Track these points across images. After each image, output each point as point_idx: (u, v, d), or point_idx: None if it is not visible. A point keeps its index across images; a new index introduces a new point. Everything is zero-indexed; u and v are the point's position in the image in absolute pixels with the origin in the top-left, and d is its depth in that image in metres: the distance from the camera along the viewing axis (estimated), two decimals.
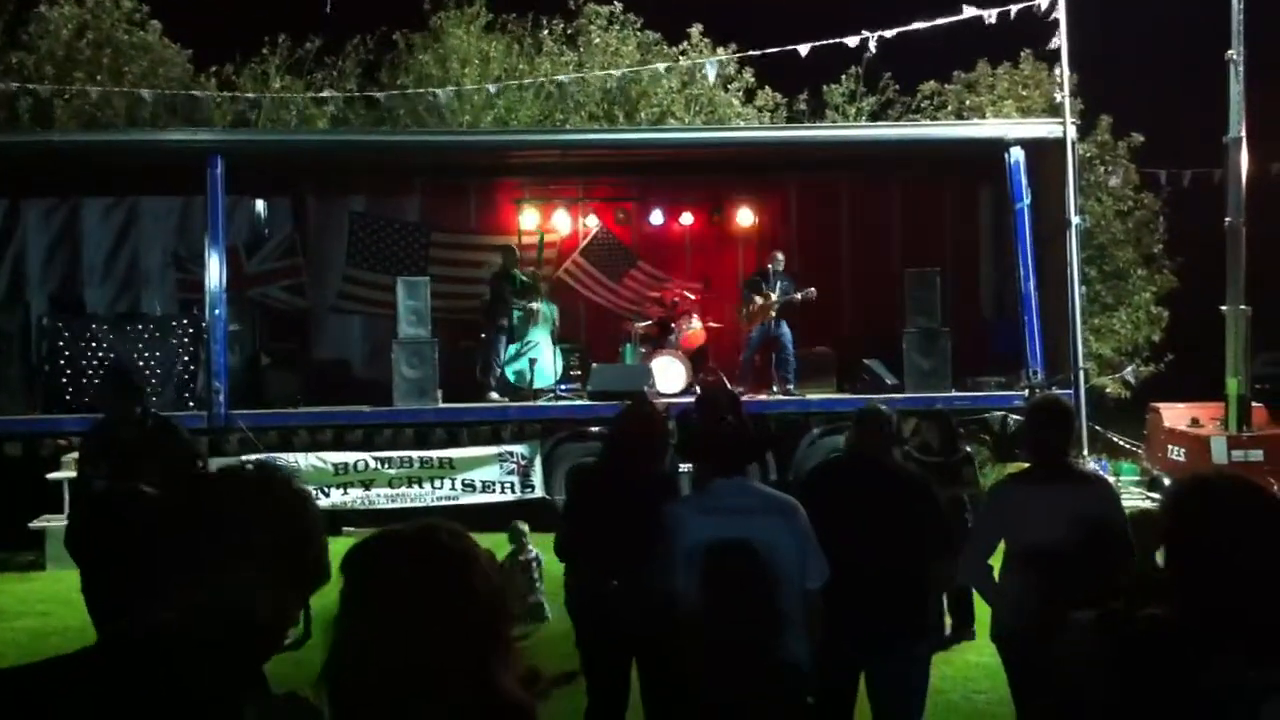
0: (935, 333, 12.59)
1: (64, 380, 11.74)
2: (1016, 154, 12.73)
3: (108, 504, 5.39)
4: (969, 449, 8.63)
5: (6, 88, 17.13)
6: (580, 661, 5.04)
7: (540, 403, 12.64)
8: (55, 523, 10.47)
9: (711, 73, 17.65)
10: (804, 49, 13.57)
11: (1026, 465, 4.98)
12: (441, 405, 12.30)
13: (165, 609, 1.78)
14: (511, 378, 13.02)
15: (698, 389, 12.35)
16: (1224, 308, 12.57)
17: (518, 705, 1.93)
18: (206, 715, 1.69)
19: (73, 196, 14.55)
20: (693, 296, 14.43)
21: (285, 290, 14.53)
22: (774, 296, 13.01)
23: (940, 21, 12.96)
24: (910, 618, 4.65)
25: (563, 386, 13.31)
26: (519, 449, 11.92)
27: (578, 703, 4.98)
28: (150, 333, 12.09)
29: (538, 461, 11.90)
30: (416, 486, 11.67)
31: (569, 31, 20.51)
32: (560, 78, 18.35)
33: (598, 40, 20.12)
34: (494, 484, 11.80)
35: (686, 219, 15.19)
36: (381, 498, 11.53)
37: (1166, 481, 12.26)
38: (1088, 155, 18.42)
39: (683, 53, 20.00)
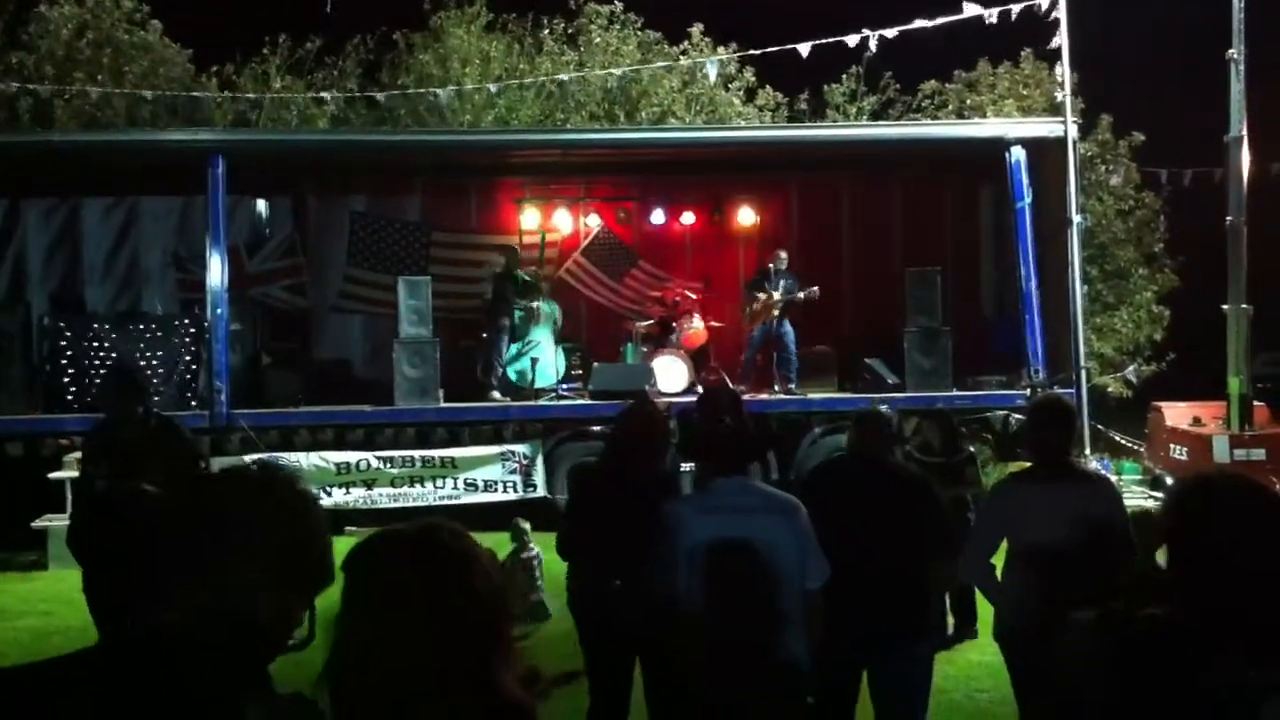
0: (936, 332, 12.59)
1: (65, 380, 11.75)
2: (1017, 153, 12.73)
3: (109, 503, 5.39)
4: (971, 448, 8.63)
5: (7, 88, 17.12)
6: (583, 661, 5.05)
7: (542, 402, 12.64)
8: (57, 522, 10.48)
9: (712, 72, 17.64)
10: (805, 48, 13.55)
11: (1028, 464, 4.98)
12: (443, 405, 12.30)
13: (167, 609, 1.78)
14: (513, 377, 13.03)
15: (699, 388, 12.36)
16: (1225, 307, 12.56)
17: (518, 705, 1.93)
18: (208, 716, 1.69)
19: (73, 196, 14.56)
20: (694, 296, 14.44)
21: (286, 290, 14.55)
22: (777, 295, 13.01)
23: (941, 21, 12.95)
24: (911, 618, 4.65)
25: (564, 386, 13.31)
26: (521, 448, 11.92)
27: (579, 702, 4.98)
28: (151, 332, 12.10)
29: (539, 461, 11.91)
30: (418, 486, 11.68)
31: (569, 31, 20.51)
32: (561, 76, 18.34)
33: (598, 40, 20.11)
34: (496, 483, 11.80)
35: (687, 218, 15.19)
36: (383, 497, 11.53)
37: (1168, 480, 12.26)
38: (1089, 154, 18.41)
39: (683, 52, 20.00)
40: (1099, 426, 13.63)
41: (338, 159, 14.53)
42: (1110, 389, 18.21)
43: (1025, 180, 12.68)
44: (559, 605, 6.34)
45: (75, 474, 9.05)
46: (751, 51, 14.41)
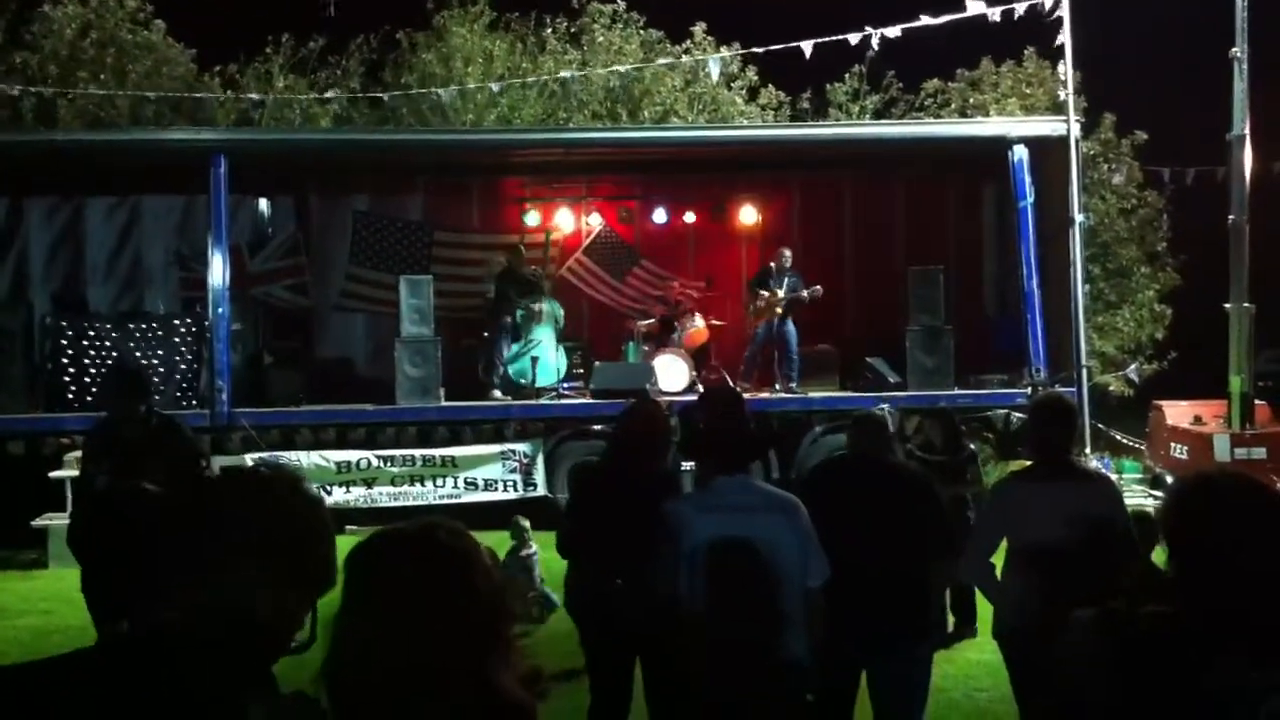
0: (938, 330, 12.58)
1: (67, 379, 11.77)
2: (1020, 152, 12.72)
3: (109, 502, 5.41)
4: (972, 447, 8.62)
5: (10, 88, 17.14)
6: (584, 660, 5.05)
7: (543, 401, 12.64)
8: (58, 521, 10.48)
9: (715, 71, 17.63)
10: (807, 47, 13.54)
11: (1029, 463, 4.97)
12: (444, 404, 12.30)
13: (167, 608, 1.78)
14: (514, 376, 13.03)
15: (700, 387, 12.37)
16: (1227, 305, 12.55)
17: (518, 704, 1.93)
18: (209, 715, 1.69)
19: (76, 196, 14.58)
20: (695, 295, 14.44)
21: (288, 289, 14.56)
22: (780, 293, 13.01)
23: (944, 19, 12.94)
24: (912, 618, 4.64)
25: (565, 385, 13.31)
26: (521, 447, 11.93)
27: (580, 701, 4.98)
28: (153, 332, 12.12)
29: (540, 460, 11.91)
30: (419, 485, 11.69)
31: (572, 30, 20.53)
32: (563, 74, 18.33)
33: (601, 39, 20.13)
34: (496, 482, 11.81)
35: (689, 217, 15.19)
36: (384, 496, 11.55)
37: (1169, 479, 12.24)
38: (1091, 153, 18.40)
39: (686, 51, 19.99)
40: (1100, 425, 13.63)
41: (340, 158, 14.53)
42: (1111, 388, 18.20)
43: (1028, 179, 12.67)
44: (560, 601, 6.34)
45: (76, 473, 9.05)
46: (754, 50, 14.41)
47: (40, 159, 13.56)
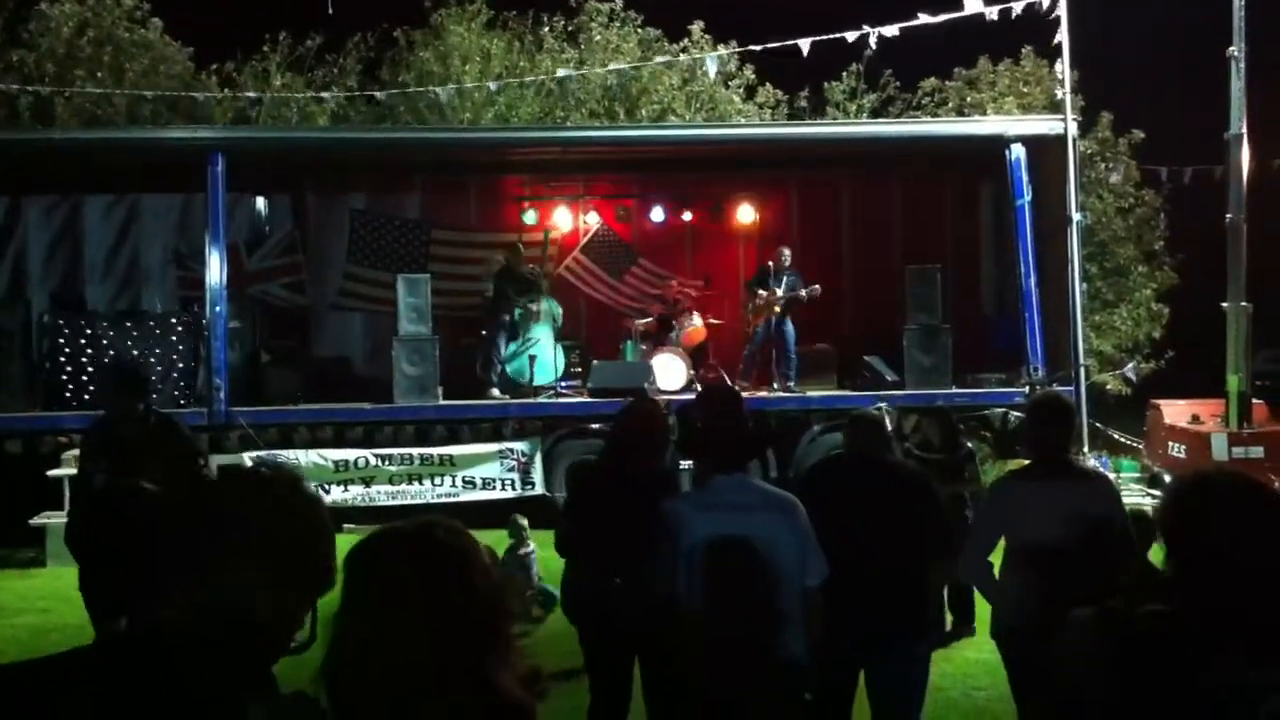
0: (936, 329, 12.59)
1: (64, 377, 11.76)
2: (1017, 150, 12.73)
3: (107, 500, 5.40)
4: (970, 446, 8.62)
5: (7, 87, 17.12)
6: (584, 659, 5.05)
7: (541, 400, 12.65)
8: (56, 519, 10.48)
9: (712, 69, 17.64)
10: (805, 46, 13.54)
11: (1027, 462, 4.98)
12: (442, 402, 12.30)
13: (166, 607, 1.78)
14: (512, 375, 13.03)
15: (698, 386, 12.37)
16: (1225, 304, 12.56)
17: (517, 704, 1.93)
18: (208, 714, 1.69)
19: (74, 194, 14.59)
20: (693, 294, 14.45)
21: (286, 287, 14.56)
22: (779, 292, 13.01)
23: (941, 18, 12.94)
24: (910, 617, 4.64)
25: (563, 384, 13.32)
26: (519, 446, 11.92)
27: (579, 700, 4.98)
28: (151, 330, 12.12)
29: (538, 459, 11.91)
30: (417, 483, 11.69)
31: (570, 28, 20.53)
32: (561, 72, 18.32)
33: (598, 37, 20.13)
34: (494, 481, 11.81)
35: (687, 216, 15.19)
36: (382, 495, 11.55)
37: (1167, 478, 12.25)
38: (1088, 152, 18.42)
39: (683, 50, 19.99)
40: (1098, 424, 13.64)
41: (337, 157, 14.52)
42: (1109, 386, 18.22)
43: (1025, 178, 12.67)
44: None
45: (74, 471, 9.04)
46: (751, 49, 14.39)
47: (38, 157, 13.54)
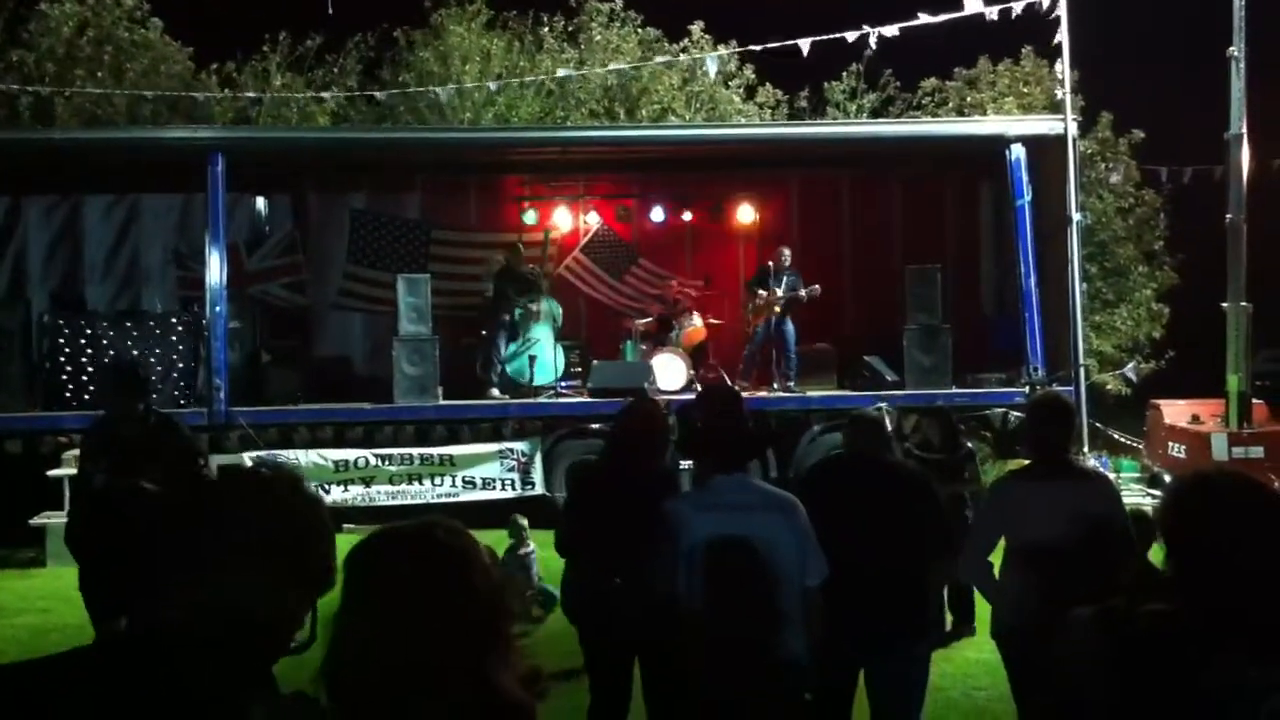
0: (936, 329, 12.58)
1: (64, 377, 11.76)
2: (1017, 150, 12.72)
3: (107, 500, 5.40)
4: (970, 445, 8.62)
5: (7, 87, 17.12)
6: (584, 659, 5.04)
7: (541, 400, 12.64)
8: (56, 519, 10.47)
9: (712, 69, 17.64)
10: (805, 46, 13.54)
11: (1027, 462, 4.97)
12: (442, 402, 12.29)
13: (166, 607, 1.78)
14: (512, 375, 13.02)
15: (698, 386, 12.37)
16: (1225, 304, 12.56)
17: (517, 703, 1.93)
18: (208, 714, 1.69)
19: (74, 194, 14.58)
20: (693, 294, 14.45)
21: (286, 287, 14.56)
22: (779, 292, 13.01)
23: (941, 18, 12.94)
24: (910, 618, 4.64)
25: (563, 383, 13.32)
26: (519, 446, 11.92)
27: (580, 701, 4.98)
28: (151, 330, 12.11)
29: (538, 459, 11.91)
30: (417, 483, 11.68)
31: (570, 29, 20.53)
32: (561, 71, 18.33)
33: (598, 37, 20.14)
34: (494, 481, 11.81)
35: (687, 216, 15.19)
36: (382, 495, 11.54)
37: (1167, 478, 12.25)
38: (1089, 152, 18.43)
39: (683, 50, 20.00)
40: (1098, 424, 13.64)
41: (338, 156, 14.52)
42: (1109, 386, 18.23)
43: (1025, 178, 12.67)
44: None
45: (74, 471, 9.04)
46: (751, 48, 14.40)
47: (38, 157, 13.54)
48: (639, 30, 20.54)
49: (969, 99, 20.26)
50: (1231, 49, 12.42)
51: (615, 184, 15.68)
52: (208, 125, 17.48)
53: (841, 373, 13.35)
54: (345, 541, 1.88)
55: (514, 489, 11.77)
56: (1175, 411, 13.29)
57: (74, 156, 13.50)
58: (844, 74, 20.20)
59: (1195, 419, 12.93)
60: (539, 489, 11.80)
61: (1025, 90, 19.76)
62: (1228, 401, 12.43)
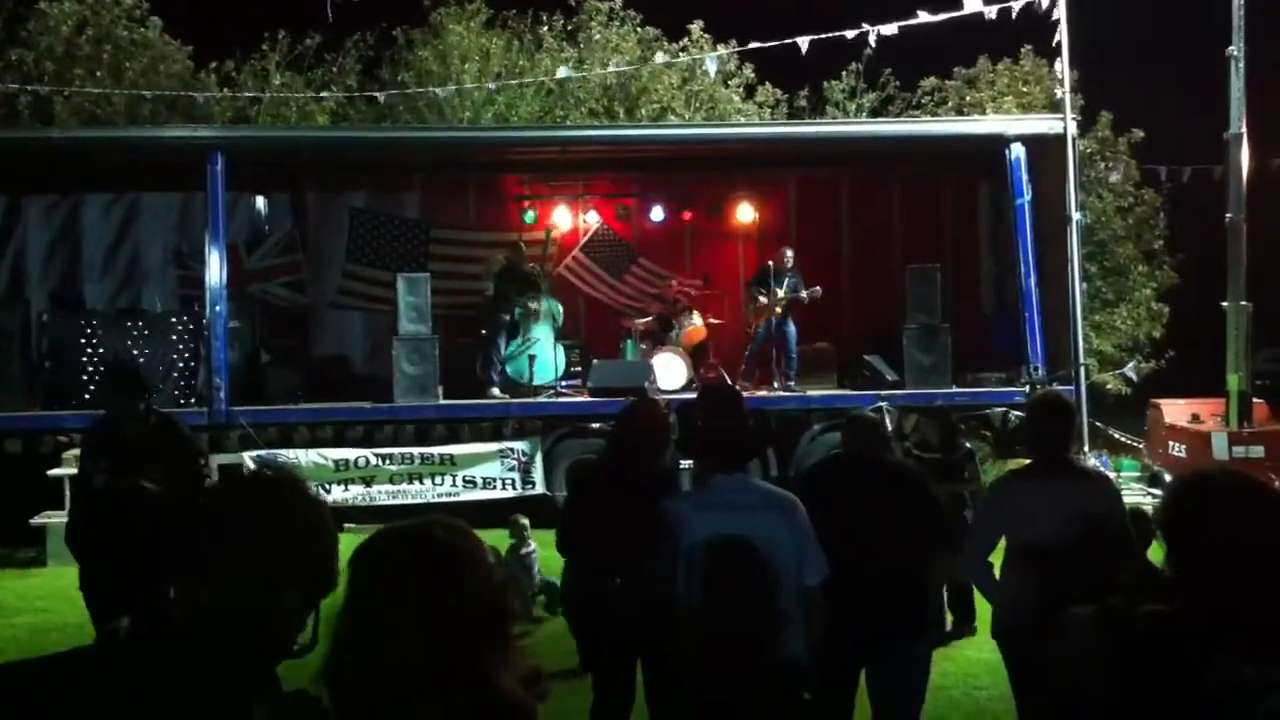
0: (936, 329, 12.58)
1: (65, 377, 11.75)
2: (1017, 150, 12.72)
3: (108, 500, 5.40)
4: (969, 445, 8.63)
5: (6, 86, 17.12)
6: (584, 659, 5.05)
7: (541, 399, 12.64)
8: (56, 519, 10.47)
9: (712, 69, 17.63)
10: (804, 45, 13.54)
11: (1027, 461, 4.98)
12: (442, 402, 12.29)
13: (167, 607, 1.78)
14: (512, 374, 13.02)
15: (698, 385, 12.37)
16: (1225, 304, 12.56)
17: (518, 704, 1.93)
18: (208, 714, 1.69)
19: (73, 193, 14.57)
20: (693, 293, 14.45)
21: (285, 286, 14.55)
22: (780, 293, 13.00)
23: (941, 17, 12.93)
24: (910, 617, 4.64)
25: (563, 383, 13.32)
26: (520, 445, 11.92)
27: (583, 702, 4.98)
28: (150, 329, 12.10)
29: (538, 458, 11.90)
30: (417, 483, 11.68)
31: (569, 28, 20.53)
32: (561, 70, 18.31)
33: (598, 36, 20.13)
34: (495, 480, 11.81)
35: (687, 215, 15.19)
36: (382, 494, 11.54)
37: (1167, 478, 12.26)
38: (1088, 151, 18.42)
39: (683, 49, 20.00)
40: (1098, 424, 13.63)
41: (337, 155, 14.51)
42: (1109, 386, 18.22)
43: (1025, 177, 12.67)
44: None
45: (74, 471, 9.04)
46: (752, 46, 14.38)
47: (37, 156, 13.53)
48: (638, 29, 20.53)
49: (968, 98, 20.25)
50: (1231, 48, 12.41)
51: (615, 183, 15.67)
52: (207, 124, 17.47)
53: (842, 372, 13.35)
54: (346, 541, 1.89)
55: (514, 488, 11.76)
56: (1175, 411, 13.30)
57: (73, 155, 13.49)
58: (843, 73, 20.19)
59: (1195, 418, 12.94)
60: (539, 488, 11.80)
61: (1025, 89, 19.75)
62: (1228, 401, 12.43)
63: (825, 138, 14.81)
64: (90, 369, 11.70)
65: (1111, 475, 9.63)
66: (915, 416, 10.40)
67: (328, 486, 11.23)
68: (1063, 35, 12.66)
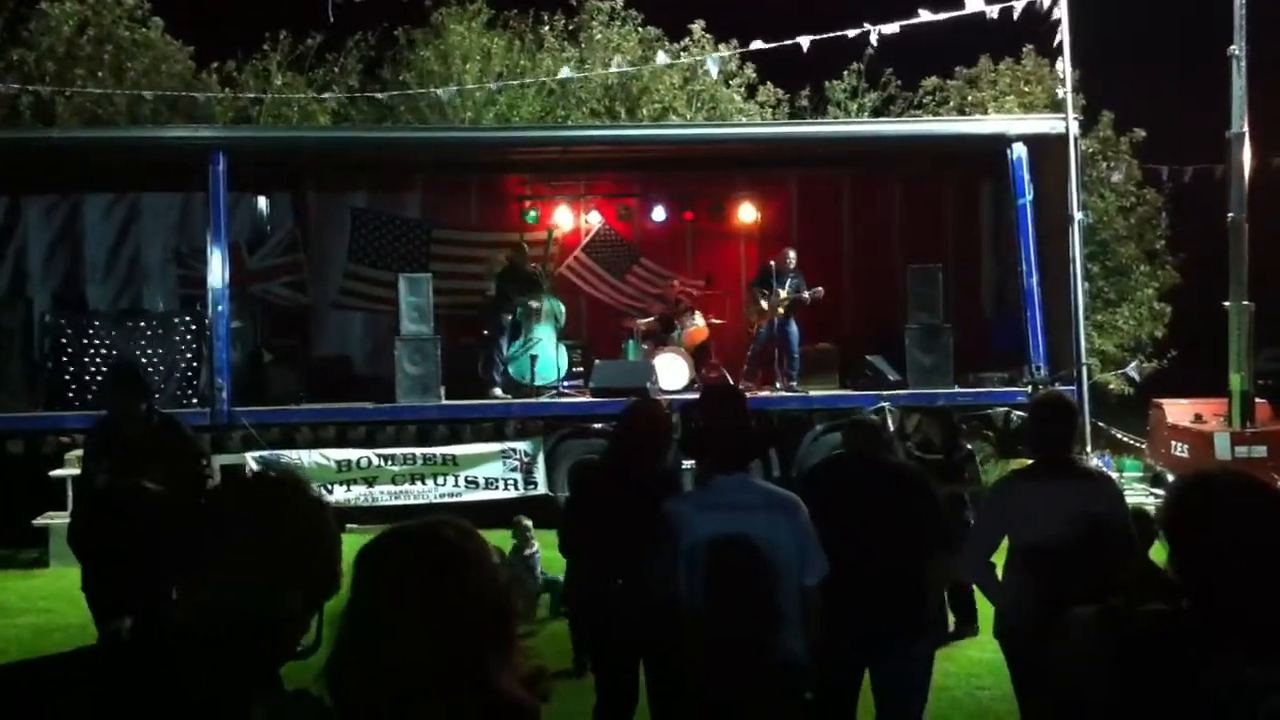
0: (937, 329, 12.58)
1: (66, 377, 11.76)
2: (1019, 149, 12.72)
3: (109, 501, 5.40)
4: (969, 446, 8.63)
5: (7, 86, 17.13)
6: (590, 660, 5.05)
7: (543, 399, 12.64)
8: (58, 520, 10.48)
9: (713, 69, 17.62)
10: (806, 44, 13.53)
11: (1029, 461, 4.97)
12: (444, 402, 12.29)
13: (169, 607, 1.78)
14: (514, 374, 13.02)
15: (700, 385, 12.37)
16: (1227, 303, 12.55)
17: (520, 704, 1.93)
18: (210, 714, 1.69)
19: (74, 193, 14.58)
20: (695, 293, 14.45)
21: (287, 286, 14.55)
22: (783, 294, 12.99)
23: (942, 16, 12.91)
24: (909, 617, 4.64)
25: (565, 383, 13.31)
26: (522, 446, 11.92)
27: (586, 703, 4.98)
28: (152, 329, 12.11)
29: (540, 458, 11.90)
30: (419, 483, 11.68)
31: (570, 28, 20.53)
32: (563, 70, 18.31)
33: (599, 36, 20.13)
34: (497, 481, 11.81)
35: (688, 215, 15.19)
36: (384, 495, 11.54)
37: (1170, 478, 12.25)
38: (1090, 151, 18.41)
39: (684, 49, 20.00)
40: (1100, 423, 13.62)
41: (339, 155, 14.52)
42: (1111, 386, 18.20)
43: (1026, 177, 12.67)
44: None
45: (76, 471, 9.04)
46: (754, 43, 14.38)
47: (38, 157, 13.53)
48: (639, 29, 20.53)
49: (970, 98, 20.24)
50: (1232, 47, 12.40)
51: (616, 183, 15.67)
52: (209, 124, 17.48)
53: (844, 372, 13.34)
54: (349, 541, 1.89)
55: (517, 488, 11.76)
56: (1178, 411, 13.29)
57: (74, 156, 13.49)
58: (845, 73, 20.19)
59: (1198, 418, 12.93)
60: (542, 488, 11.80)
61: (1026, 89, 19.74)
62: (1230, 400, 12.42)
63: (827, 137, 14.81)
64: (92, 369, 11.70)
65: (1114, 475, 9.62)
66: (917, 417, 10.40)
67: (330, 487, 11.23)
68: (1064, 35, 12.64)
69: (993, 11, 12.74)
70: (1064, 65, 12.72)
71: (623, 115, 19.43)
